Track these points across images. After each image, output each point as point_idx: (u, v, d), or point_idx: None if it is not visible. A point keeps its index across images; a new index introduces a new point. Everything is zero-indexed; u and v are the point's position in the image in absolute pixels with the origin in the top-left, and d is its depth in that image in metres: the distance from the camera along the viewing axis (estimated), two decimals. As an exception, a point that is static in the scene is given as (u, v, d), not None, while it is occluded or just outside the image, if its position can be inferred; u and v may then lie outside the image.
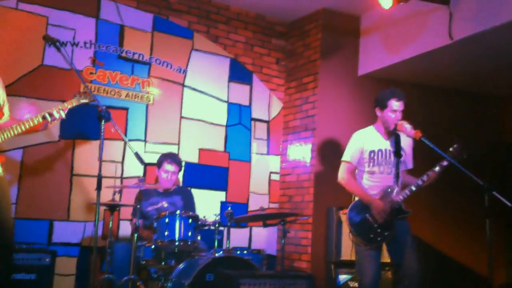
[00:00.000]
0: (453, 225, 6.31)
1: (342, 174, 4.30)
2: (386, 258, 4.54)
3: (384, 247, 4.23)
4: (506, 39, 4.96)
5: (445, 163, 3.95)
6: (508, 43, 5.08)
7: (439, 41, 5.15)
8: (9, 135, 3.42)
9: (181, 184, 5.55)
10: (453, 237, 6.33)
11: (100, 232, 5.10)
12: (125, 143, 5.27)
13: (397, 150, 4.21)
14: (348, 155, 4.30)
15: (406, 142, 4.30)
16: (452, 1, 4.99)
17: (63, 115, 3.58)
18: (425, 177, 4.02)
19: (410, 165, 4.35)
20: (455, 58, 5.51)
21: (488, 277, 3.77)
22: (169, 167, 5.01)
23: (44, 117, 3.52)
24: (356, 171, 4.31)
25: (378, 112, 4.24)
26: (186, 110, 5.78)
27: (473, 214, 5.61)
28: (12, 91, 4.81)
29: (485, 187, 3.60)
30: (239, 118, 6.10)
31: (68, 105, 3.63)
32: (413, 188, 4.04)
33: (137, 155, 3.75)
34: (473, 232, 5.96)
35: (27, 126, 3.47)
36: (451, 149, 3.96)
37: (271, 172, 6.25)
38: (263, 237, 6.03)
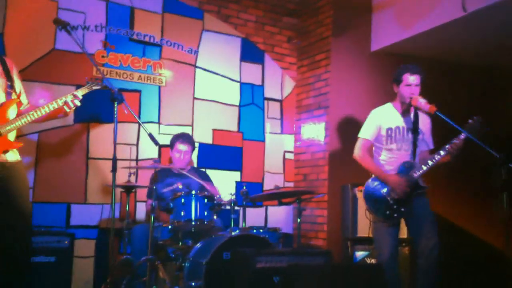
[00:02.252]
0: (469, 200, 6.27)
1: (357, 150, 4.30)
2: (403, 234, 4.55)
3: (403, 223, 4.23)
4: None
5: (462, 136, 3.90)
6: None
7: (453, 13, 5.07)
8: (25, 121, 3.46)
9: (195, 165, 5.58)
10: (469, 211, 6.30)
11: (117, 214, 5.15)
12: (139, 125, 5.29)
13: (415, 127, 4.18)
14: (365, 131, 4.29)
15: (424, 121, 4.26)
16: (465, -28, 4.91)
17: (78, 103, 3.62)
18: (442, 152, 3.97)
19: (430, 145, 4.32)
20: (469, 31, 5.42)
21: (504, 251, 3.74)
22: (181, 146, 5.04)
23: (60, 104, 3.55)
24: (373, 148, 4.30)
25: (395, 88, 4.23)
26: (198, 91, 5.77)
27: (489, 188, 5.56)
28: (25, 76, 4.80)
29: (502, 160, 3.57)
30: (252, 98, 6.09)
31: (81, 92, 3.66)
32: (430, 163, 4.00)
33: (151, 136, 3.76)
34: (488, 206, 5.91)
35: (43, 113, 3.50)
36: (470, 121, 3.91)
37: (285, 151, 6.25)
38: (279, 216, 6.05)
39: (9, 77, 3.51)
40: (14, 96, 3.52)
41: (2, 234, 3.39)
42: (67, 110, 3.59)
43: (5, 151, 3.41)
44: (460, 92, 6.36)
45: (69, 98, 3.57)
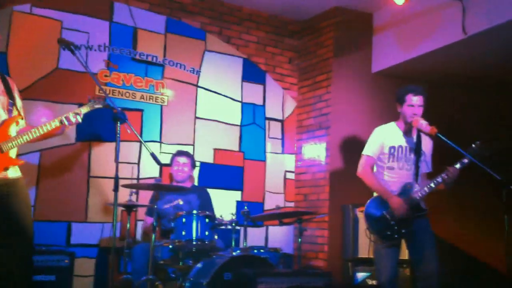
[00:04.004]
0: (471, 221, 6.26)
1: (361, 167, 4.28)
2: (404, 255, 4.52)
3: (404, 244, 4.22)
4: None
5: (466, 160, 3.89)
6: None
7: (453, 36, 5.13)
8: (27, 139, 3.46)
9: (196, 183, 5.58)
10: (471, 233, 6.28)
11: (117, 233, 5.13)
12: (141, 144, 5.32)
13: (417, 148, 4.17)
14: (368, 148, 4.29)
15: (427, 143, 4.26)
16: (465, -4, 4.98)
17: (80, 120, 3.63)
18: (444, 175, 3.96)
19: (429, 168, 4.30)
20: (469, 53, 5.48)
21: (506, 273, 3.74)
22: (180, 159, 5.15)
23: (61, 121, 3.57)
24: (375, 167, 4.30)
25: (398, 108, 4.24)
26: (200, 110, 5.80)
27: (491, 210, 5.55)
28: (28, 94, 4.88)
29: (503, 182, 3.58)
30: (253, 117, 6.12)
31: (83, 110, 3.67)
32: (432, 186, 3.99)
33: (153, 155, 3.77)
34: (491, 228, 5.90)
35: (44, 130, 3.51)
36: (473, 145, 3.90)
37: (286, 171, 6.26)
38: (279, 236, 6.03)
39: (11, 96, 3.53)
40: (15, 113, 3.54)
41: (2, 252, 3.37)
42: (67, 123, 3.59)
43: (6, 168, 3.41)
44: (461, 113, 6.40)
45: (70, 116, 3.59)
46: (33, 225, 3.56)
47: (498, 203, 3.64)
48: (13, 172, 3.47)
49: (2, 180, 3.38)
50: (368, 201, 4.17)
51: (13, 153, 3.47)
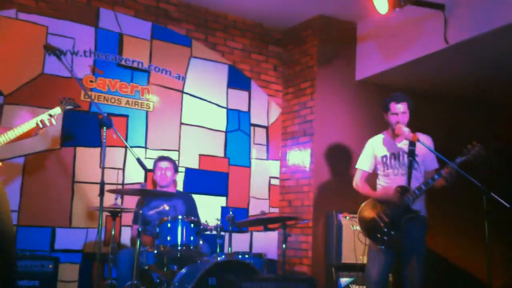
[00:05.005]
0: (451, 228, 6.34)
1: (355, 181, 4.46)
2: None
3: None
4: (501, 43, 5.03)
5: (458, 159, 3.91)
6: (503, 47, 5.15)
7: (435, 45, 5.22)
8: (5, 139, 3.50)
9: (181, 189, 5.60)
10: (451, 240, 6.36)
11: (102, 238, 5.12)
12: (126, 149, 5.33)
13: (410, 151, 4.21)
14: (361, 162, 4.47)
15: (421, 145, 4.20)
16: (447, 6, 5.07)
17: (54, 122, 3.67)
18: (436, 176, 3.99)
19: (435, 165, 4.29)
20: (451, 62, 5.58)
21: (486, 279, 3.80)
22: (162, 164, 5.18)
23: (37, 124, 3.60)
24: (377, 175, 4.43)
25: (385, 117, 4.33)
26: (185, 116, 5.83)
27: (471, 217, 5.63)
28: (13, 99, 4.89)
29: (484, 190, 3.64)
30: (238, 124, 6.16)
31: (55, 111, 3.70)
32: (423, 187, 4.05)
33: (139, 160, 3.78)
34: (471, 235, 5.98)
35: (20, 132, 3.55)
36: (468, 146, 3.93)
37: (270, 177, 6.30)
38: (264, 242, 6.05)
39: None
40: None
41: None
42: (40, 125, 3.63)
43: None
44: (443, 122, 6.48)
45: (45, 118, 3.62)
46: (14, 228, 3.54)
47: (478, 209, 3.69)
48: None
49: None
50: (361, 205, 4.30)
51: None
